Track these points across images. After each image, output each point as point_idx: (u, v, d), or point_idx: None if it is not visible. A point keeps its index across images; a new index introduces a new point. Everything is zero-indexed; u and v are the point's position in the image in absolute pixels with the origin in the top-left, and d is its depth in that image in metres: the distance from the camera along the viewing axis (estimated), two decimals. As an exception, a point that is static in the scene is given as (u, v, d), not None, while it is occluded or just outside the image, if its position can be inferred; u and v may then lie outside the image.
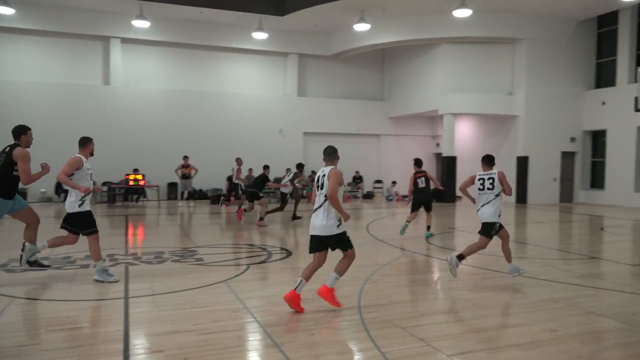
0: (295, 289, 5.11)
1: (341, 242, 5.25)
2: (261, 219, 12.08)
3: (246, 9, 18.39)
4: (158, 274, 6.79)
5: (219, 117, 20.33)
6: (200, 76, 20.59)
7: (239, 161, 15.34)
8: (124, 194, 18.03)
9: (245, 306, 5.30)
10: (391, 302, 5.56)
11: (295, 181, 13.44)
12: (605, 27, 19.51)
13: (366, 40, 19.97)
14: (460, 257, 6.53)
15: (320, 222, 5.13)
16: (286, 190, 13.26)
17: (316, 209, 5.21)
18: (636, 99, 13.70)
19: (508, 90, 19.49)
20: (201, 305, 5.38)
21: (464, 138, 21.63)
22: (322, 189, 5.16)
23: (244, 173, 16.52)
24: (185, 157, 16.61)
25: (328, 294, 5.23)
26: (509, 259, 6.62)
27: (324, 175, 5.19)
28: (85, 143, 6.32)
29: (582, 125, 19.87)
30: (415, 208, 10.62)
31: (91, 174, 6.23)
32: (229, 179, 17.31)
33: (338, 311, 5.16)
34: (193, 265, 7.42)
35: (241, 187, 15.11)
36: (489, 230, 6.48)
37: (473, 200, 6.74)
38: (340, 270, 5.30)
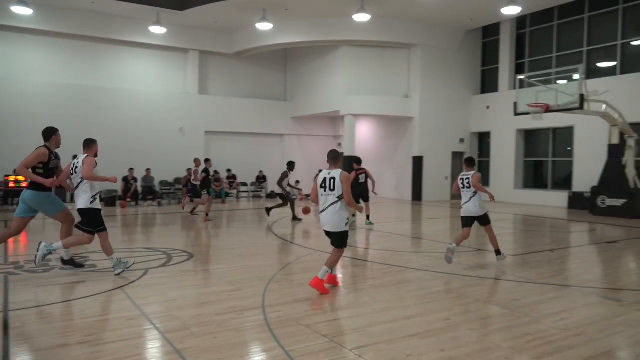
0: (330, 272, 5.97)
1: (341, 239, 5.92)
2: (206, 214, 13.12)
3: (143, 1, 17.51)
4: (44, 284, 6.26)
5: (115, 114, 19.17)
6: (93, 70, 19.27)
7: (197, 162, 14.62)
8: (3, 197, 16.39)
9: (143, 313, 5.06)
10: (295, 300, 5.60)
11: (284, 183, 13.15)
12: (489, 37, 21.21)
13: (269, 39, 19.95)
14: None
15: (331, 219, 5.82)
16: (279, 190, 13.33)
17: (325, 208, 5.85)
18: (515, 104, 15.00)
19: (404, 93, 20.49)
20: (94, 314, 5.04)
21: (364, 138, 22.40)
22: (332, 190, 5.81)
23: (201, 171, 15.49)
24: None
25: (319, 283, 5.81)
26: (459, 241, 7.73)
27: (332, 178, 5.82)
28: (90, 144, 6.83)
29: (470, 128, 21.44)
30: (356, 201, 11.34)
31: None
32: (188, 180, 16.35)
33: (241, 312, 5.10)
34: (85, 272, 6.94)
35: (199, 187, 14.53)
36: (488, 219, 7.76)
37: (491, 196, 8.08)
38: (331, 264, 5.95)
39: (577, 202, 16.70)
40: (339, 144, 23.96)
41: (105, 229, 6.64)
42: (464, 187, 7.67)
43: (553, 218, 14.44)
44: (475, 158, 20.91)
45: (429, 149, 20.25)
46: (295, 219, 13.22)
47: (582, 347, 4.21)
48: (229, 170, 20.68)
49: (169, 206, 17.69)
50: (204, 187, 13.65)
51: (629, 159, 14.87)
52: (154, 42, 19.69)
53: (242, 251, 8.85)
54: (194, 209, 14.34)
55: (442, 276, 6.85)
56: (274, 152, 23.04)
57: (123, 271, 6.65)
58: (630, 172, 14.78)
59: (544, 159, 19.42)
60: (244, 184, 21.09)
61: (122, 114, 19.30)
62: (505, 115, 18.68)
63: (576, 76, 13.83)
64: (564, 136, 18.54)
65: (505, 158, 19.98)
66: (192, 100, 20.86)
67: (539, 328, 4.69)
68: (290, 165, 13.38)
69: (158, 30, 18.08)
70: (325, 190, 5.88)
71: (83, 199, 6.49)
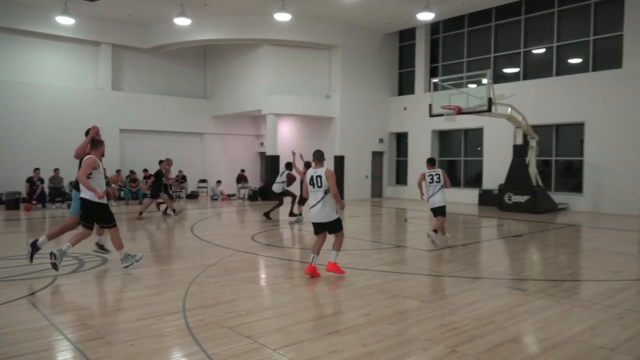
0: (311, 263, 6.63)
1: (336, 225, 6.70)
2: (174, 211, 13.75)
3: (49, -10, 16.39)
4: None
5: (19, 110, 17.76)
6: (-9, 62, 17.77)
7: (169, 162, 14.37)
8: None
9: (52, 323, 4.73)
10: (217, 302, 5.50)
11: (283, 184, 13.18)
12: (406, 41, 22.03)
13: (187, 35, 19.40)
14: (435, 231, 8.89)
15: (321, 212, 6.61)
16: (278, 189, 13.15)
17: (316, 204, 6.62)
18: (430, 106, 15.70)
19: (326, 94, 20.77)
20: (-5, 327, 4.64)
21: (286, 137, 22.42)
22: (320, 186, 6.57)
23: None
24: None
25: (333, 267, 6.67)
26: (443, 232, 9.13)
27: (318, 176, 6.59)
28: (97, 145, 6.90)
29: (389, 128, 22.15)
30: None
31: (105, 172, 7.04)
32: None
33: (161, 317, 4.92)
34: (-16, 281, 6.37)
35: (170, 187, 14.52)
36: (444, 211, 8.96)
37: (422, 195, 9.04)
38: (338, 247, 6.76)
39: (487, 199, 17.81)
40: (261, 144, 23.84)
41: (115, 225, 7.04)
42: (432, 182, 9.00)
43: (465, 214, 15.27)
44: (385, 155, 21.78)
45: (350, 148, 20.67)
46: (292, 214, 13.33)
47: (492, 335, 4.49)
48: (145, 170, 19.85)
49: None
50: (159, 188, 13.78)
51: (531, 158, 16.08)
52: (61, 34, 18.47)
53: (160, 254, 8.54)
54: (166, 208, 14.33)
55: (363, 273, 7.01)
56: (194, 152, 22.46)
57: (131, 264, 7.00)
58: (533, 170, 15.98)
59: (456, 158, 20.48)
60: (163, 184, 20.29)
61: (27, 109, 17.94)
62: (421, 117, 19.49)
63: (485, 81, 14.72)
64: (474, 137, 19.69)
65: (421, 157, 20.62)
66: (105, 96, 19.79)
67: (454, 319, 4.94)
68: (289, 167, 13.41)
69: (65, 20, 16.97)
70: (314, 187, 6.64)
71: (90, 195, 6.72)
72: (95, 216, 6.91)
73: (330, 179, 6.54)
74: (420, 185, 9.19)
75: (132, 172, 19.18)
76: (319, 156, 6.76)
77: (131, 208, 16.85)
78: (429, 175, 9.09)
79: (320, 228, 6.75)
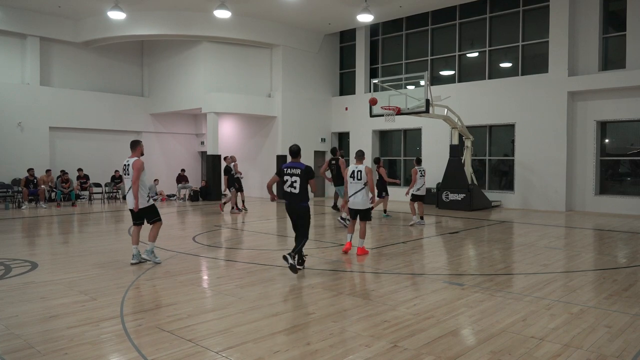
0: (349, 240, 8.45)
1: (367, 214, 8.28)
2: (235, 206, 15.03)
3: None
4: None
5: None
6: None
7: (233, 158, 15.55)
8: None
9: (-25, 334, 4.42)
10: (157, 306, 5.34)
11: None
12: (346, 42, 22.29)
13: (122, 30, 18.67)
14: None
15: (360, 200, 8.12)
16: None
17: (355, 193, 8.13)
18: (370, 106, 15.95)
19: (267, 93, 20.65)
20: None
21: (228, 136, 22.13)
22: (359, 179, 8.09)
23: None
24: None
25: (361, 250, 8.20)
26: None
27: (359, 171, 8.11)
28: (135, 145, 7.60)
29: (331, 128, 22.34)
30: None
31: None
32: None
33: (97, 324, 4.72)
34: None
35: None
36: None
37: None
38: (362, 234, 8.28)
39: (426, 197, 18.29)
40: (202, 143, 23.37)
41: (160, 220, 7.66)
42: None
43: (405, 212, 15.66)
44: (328, 155, 21.92)
45: (291, 148, 20.61)
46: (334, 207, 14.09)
47: (432, 329, 4.63)
48: (80, 170, 18.94)
49: (6, 211, 15.70)
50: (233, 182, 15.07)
51: (466, 158, 16.74)
52: (-17, 25, 17.29)
53: (95, 257, 8.17)
54: (237, 204, 15.08)
55: (307, 272, 7.03)
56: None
57: (148, 260, 7.54)
58: (468, 169, 16.64)
59: (396, 157, 20.96)
60: (98, 185, 19.45)
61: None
62: (362, 117, 19.77)
63: (422, 82, 15.15)
64: (413, 137, 20.23)
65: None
66: (32, 92, 18.66)
67: (395, 315, 5.06)
68: (334, 152, 13.70)
69: (-13, 11, 15.89)
70: (354, 180, 8.13)
71: (141, 199, 7.35)
72: (146, 213, 7.59)
73: (369, 174, 8.02)
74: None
75: (63, 172, 18.23)
76: (360, 155, 8.42)
77: (63, 210, 16.03)
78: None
79: (355, 214, 8.27)
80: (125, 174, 7.49)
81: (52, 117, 18.99)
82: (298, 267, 6.77)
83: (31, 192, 16.93)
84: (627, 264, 7.83)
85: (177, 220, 13.96)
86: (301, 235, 7.02)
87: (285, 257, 6.67)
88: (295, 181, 6.92)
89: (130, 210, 7.43)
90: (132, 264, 7.47)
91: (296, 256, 6.74)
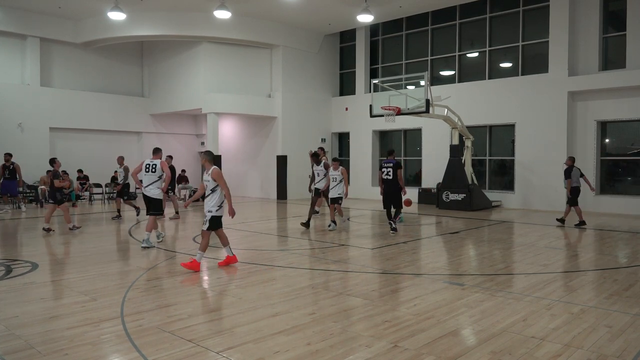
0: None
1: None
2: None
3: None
4: None
5: None
6: None
7: (119, 160, 14.89)
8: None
9: (-25, 334, 4.42)
10: (158, 307, 5.34)
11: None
12: (346, 42, 22.28)
13: (122, 30, 18.68)
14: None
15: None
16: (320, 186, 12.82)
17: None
18: (370, 106, 15.95)
19: (267, 93, 20.65)
20: None
21: (228, 137, 22.13)
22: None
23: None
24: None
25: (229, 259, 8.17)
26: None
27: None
28: (158, 151, 9.33)
29: (331, 128, 22.33)
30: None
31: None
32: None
33: (97, 324, 4.72)
34: None
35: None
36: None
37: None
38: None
39: (426, 198, 18.33)
40: (202, 143, 23.37)
41: (162, 213, 9.38)
42: (318, 175, 11.56)
43: (405, 213, 15.65)
44: (328, 155, 21.93)
45: (292, 148, 20.64)
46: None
47: (432, 329, 4.63)
48: (80, 171, 18.94)
49: (6, 213, 15.69)
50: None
51: (467, 158, 16.73)
52: (-17, 26, 17.29)
53: (96, 258, 8.17)
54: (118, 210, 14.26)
55: (307, 272, 7.04)
56: (131, 151, 21.65)
57: (148, 247, 8.78)
58: (468, 169, 16.64)
59: (397, 158, 20.91)
60: (98, 186, 19.45)
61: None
62: (362, 117, 19.75)
63: (422, 82, 15.13)
64: (413, 137, 20.22)
65: (363, 157, 21.17)
66: (32, 92, 18.69)
67: (396, 315, 5.06)
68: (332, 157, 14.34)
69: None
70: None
71: (156, 191, 9.07)
72: (154, 205, 9.10)
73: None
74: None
75: (64, 172, 18.20)
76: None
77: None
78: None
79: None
80: (151, 171, 9.04)
81: (52, 118, 19.02)
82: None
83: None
84: (628, 264, 7.83)
85: (177, 220, 13.95)
86: (396, 207, 10.85)
87: (390, 224, 10.83)
88: (390, 171, 10.62)
89: (148, 200, 9.04)
90: (142, 247, 8.82)
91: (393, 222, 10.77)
